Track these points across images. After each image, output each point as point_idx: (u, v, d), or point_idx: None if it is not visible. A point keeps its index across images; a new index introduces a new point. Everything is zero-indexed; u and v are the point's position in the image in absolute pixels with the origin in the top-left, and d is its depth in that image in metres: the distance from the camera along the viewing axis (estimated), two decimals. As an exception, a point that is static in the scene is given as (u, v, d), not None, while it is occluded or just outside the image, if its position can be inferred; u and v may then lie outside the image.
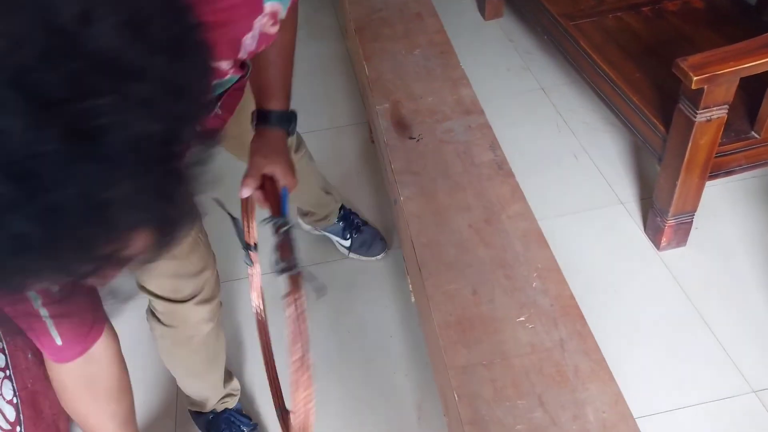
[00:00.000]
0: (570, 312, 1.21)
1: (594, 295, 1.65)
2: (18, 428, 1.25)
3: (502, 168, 1.53)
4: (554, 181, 1.95)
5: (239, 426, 1.44)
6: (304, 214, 1.79)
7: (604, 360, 1.13)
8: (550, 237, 1.33)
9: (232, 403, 1.46)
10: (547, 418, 1.06)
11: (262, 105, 1.06)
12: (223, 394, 1.43)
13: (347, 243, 1.83)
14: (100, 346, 0.90)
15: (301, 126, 1.25)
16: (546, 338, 1.17)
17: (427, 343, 1.45)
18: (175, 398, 1.57)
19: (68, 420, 1.49)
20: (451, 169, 1.54)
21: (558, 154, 2.08)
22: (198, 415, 1.47)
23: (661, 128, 1.62)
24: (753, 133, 1.58)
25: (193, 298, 1.18)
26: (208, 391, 1.42)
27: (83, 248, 0.41)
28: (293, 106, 1.11)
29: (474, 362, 1.15)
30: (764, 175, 1.91)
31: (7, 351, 1.27)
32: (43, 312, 0.77)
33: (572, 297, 1.24)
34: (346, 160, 2.16)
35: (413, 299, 1.70)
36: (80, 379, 0.90)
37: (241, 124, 1.14)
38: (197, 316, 1.21)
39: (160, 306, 1.18)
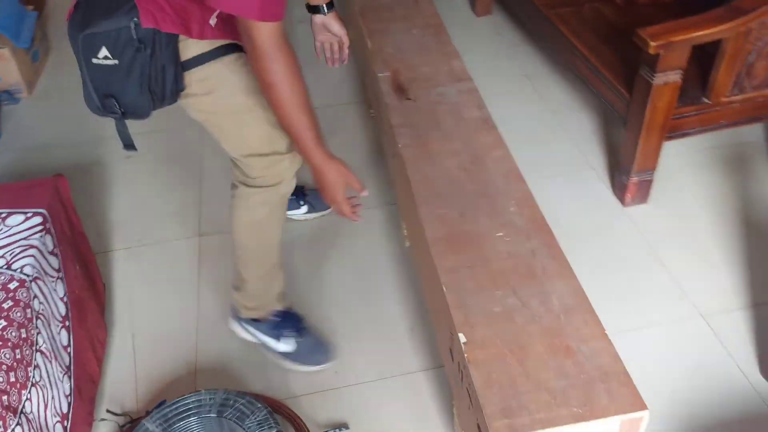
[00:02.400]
0: (541, 229, 1.43)
1: (567, 243, 1.86)
2: (67, 323, 1.46)
3: (487, 123, 1.76)
4: (533, 150, 2.18)
5: (301, 321, 1.66)
6: None
7: (567, 262, 1.36)
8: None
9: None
10: (519, 303, 1.28)
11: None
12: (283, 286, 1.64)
13: (304, 209, 2.04)
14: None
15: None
16: (520, 248, 1.39)
17: (419, 265, 1.67)
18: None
19: (105, 335, 1.69)
20: (442, 123, 1.77)
21: (539, 130, 2.32)
22: (260, 321, 1.62)
23: (626, 94, 1.86)
24: (704, 99, 1.82)
25: (289, 150, 1.38)
26: (282, 274, 1.61)
27: None
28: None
29: (460, 265, 1.37)
30: (717, 147, 2.16)
31: (60, 257, 1.48)
32: None
33: (543, 218, 1.46)
34: (345, 132, 2.38)
35: (407, 244, 1.92)
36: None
37: None
38: (292, 170, 1.41)
39: (259, 165, 1.38)
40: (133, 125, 2.73)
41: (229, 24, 1.25)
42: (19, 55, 2.64)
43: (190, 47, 1.24)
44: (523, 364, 1.18)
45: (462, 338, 1.23)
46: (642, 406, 1.11)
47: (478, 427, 1.18)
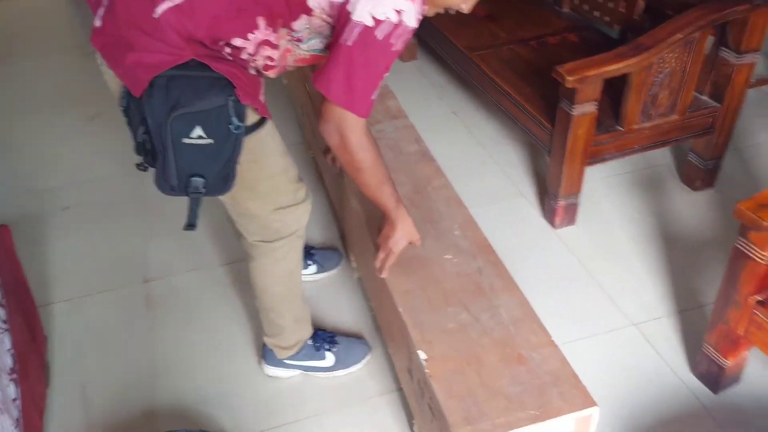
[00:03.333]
0: (484, 249, 1.54)
1: (505, 265, 1.98)
2: (14, 375, 1.42)
3: (425, 155, 1.87)
4: (467, 181, 2.30)
5: (326, 331, 1.74)
6: None
7: (512, 279, 1.46)
8: (467, 201, 1.67)
9: None
10: (471, 318, 1.36)
11: None
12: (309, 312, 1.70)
13: (313, 269, 2.04)
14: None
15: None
16: (467, 267, 1.49)
17: (372, 292, 1.73)
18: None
19: (45, 389, 1.65)
20: (384, 157, 1.85)
21: (471, 162, 2.46)
22: (301, 351, 1.67)
23: (549, 126, 2.01)
24: (618, 127, 2.00)
25: (307, 198, 1.47)
26: (306, 304, 1.66)
27: None
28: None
29: (413, 287, 1.44)
30: (633, 171, 2.36)
31: (6, 308, 1.45)
32: None
33: (486, 240, 1.56)
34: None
35: (357, 276, 1.98)
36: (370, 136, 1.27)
37: None
38: (307, 215, 1.48)
39: (281, 216, 1.41)
40: (57, 176, 2.69)
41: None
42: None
43: (248, 119, 1.24)
44: (480, 374, 1.26)
45: (422, 355, 1.29)
46: (592, 403, 1.20)
47: (442, 438, 1.24)
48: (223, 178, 1.21)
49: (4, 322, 1.44)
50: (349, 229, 1.93)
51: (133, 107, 1.16)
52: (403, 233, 1.46)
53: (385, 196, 1.39)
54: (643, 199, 2.24)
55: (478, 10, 2.77)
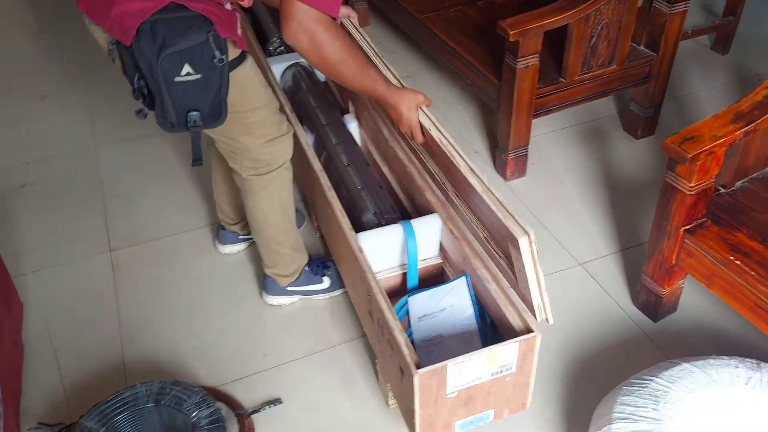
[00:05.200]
0: (436, 196, 1.62)
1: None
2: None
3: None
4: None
5: (321, 257, 1.89)
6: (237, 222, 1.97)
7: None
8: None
9: None
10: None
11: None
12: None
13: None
14: None
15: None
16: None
17: (333, 246, 1.81)
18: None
19: (21, 353, 1.69)
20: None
21: (424, 123, 2.54)
22: (300, 277, 1.79)
23: (495, 81, 2.10)
24: (561, 79, 2.10)
25: (289, 130, 1.57)
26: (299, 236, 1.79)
27: None
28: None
29: (369, 233, 1.52)
30: (578, 124, 2.46)
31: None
32: None
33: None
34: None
35: (318, 234, 2.05)
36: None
37: None
38: (291, 146, 1.58)
39: (272, 148, 1.52)
40: (11, 155, 2.65)
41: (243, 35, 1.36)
42: None
43: (230, 53, 1.31)
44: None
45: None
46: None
47: (401, 369, 1.33)
48: (216, 109, 1.29)
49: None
50: (310, 191, 1.99)
51: (126, 56, 1.24)
52: (408, 105, 1.43)
53: (372, 80, 1.37)
54: (589, 149, 2.36)
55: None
